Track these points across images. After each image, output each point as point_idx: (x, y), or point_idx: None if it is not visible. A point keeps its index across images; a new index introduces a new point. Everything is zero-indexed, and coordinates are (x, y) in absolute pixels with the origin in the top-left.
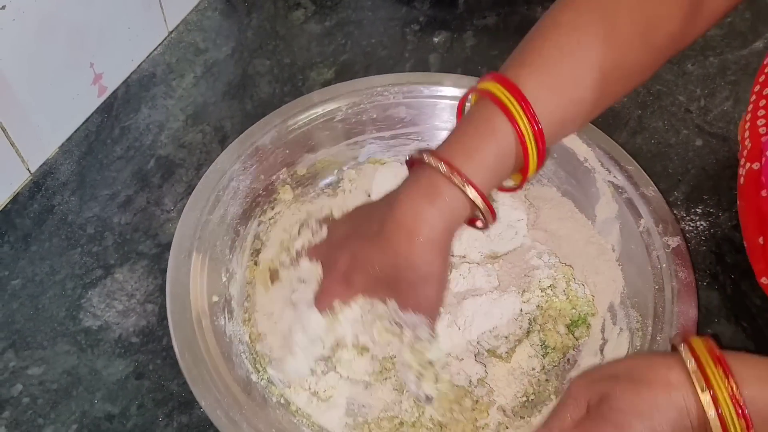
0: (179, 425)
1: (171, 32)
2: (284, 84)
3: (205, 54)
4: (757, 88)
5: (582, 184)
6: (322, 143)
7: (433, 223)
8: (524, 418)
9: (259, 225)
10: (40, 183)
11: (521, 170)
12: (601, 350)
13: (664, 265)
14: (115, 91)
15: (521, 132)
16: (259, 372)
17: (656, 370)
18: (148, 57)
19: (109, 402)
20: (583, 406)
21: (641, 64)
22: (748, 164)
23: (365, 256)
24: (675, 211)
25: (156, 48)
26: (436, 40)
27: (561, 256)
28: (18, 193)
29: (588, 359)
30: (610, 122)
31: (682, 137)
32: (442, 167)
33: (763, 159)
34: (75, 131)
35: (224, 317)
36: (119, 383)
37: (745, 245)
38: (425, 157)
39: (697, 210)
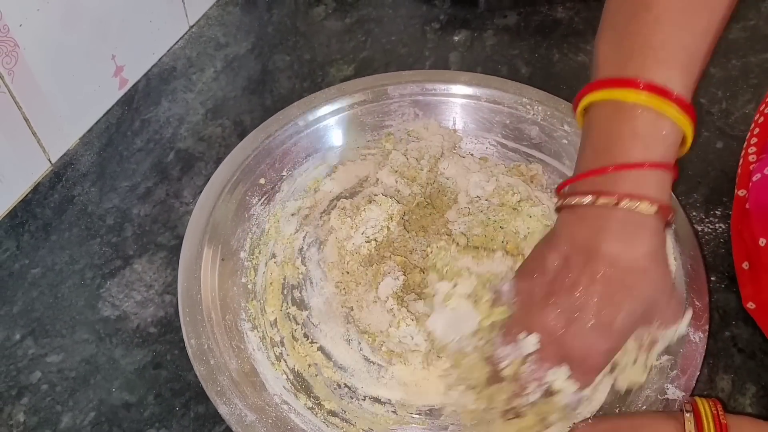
0: (196, 415)
1: (192, 27)
2: (304, 80)
3: (225, 49)
4: (760, 119)
5: None
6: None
7: (655, 250)
8: None
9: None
10: (61, 173)
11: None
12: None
13: None
14: (135, 84)
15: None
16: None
17: (657, 428)
18: (169, 51)
19: (127, 391)
20: None
21: None
22: (736, 190)
23: (615, 315)
24: (694, 213)
25: (177, 42)
26: (456, 38)
27: None
28: (39, 183)
29: None
30: None
31: (702, 139)
32: (648, 209)
33: (750, 185)
34: (96, 123)
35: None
36: (137, 372)
37: (735, 267)
38: (622, 203)
39: (716, 212)
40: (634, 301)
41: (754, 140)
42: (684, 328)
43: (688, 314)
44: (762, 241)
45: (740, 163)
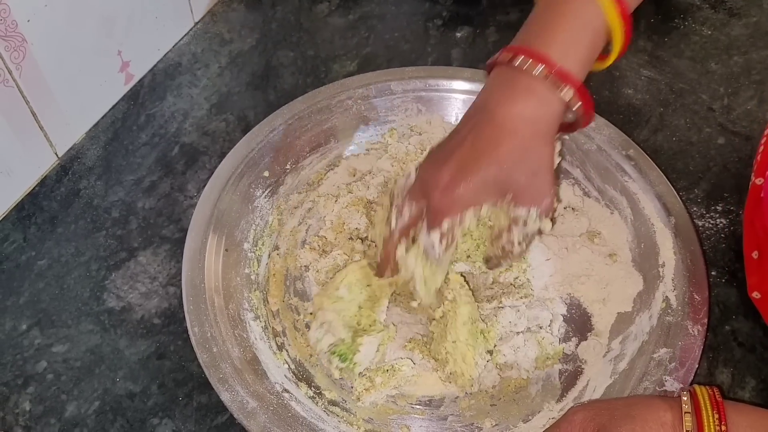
0: (198, 405)
1: (197, 23)
2: (307, 75)
3: (230, 45)
4: None
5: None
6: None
7: (535, 118)
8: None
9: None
10: (67, 167)
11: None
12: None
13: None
14: (141, 79)
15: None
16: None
17: (654, 410)
18: (174, 46)
19: (131, 380)
20: None
21: None
22: (753, 178)
23: (469, 167)
24: (695, 208)
25: (182, 38)
26: (458, 35)
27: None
28: (45, 176)
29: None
30: (632, 119)
31: (704, 135)
32: (539, 70)
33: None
34: (102, 117)
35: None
36: (141, 363)
37: (744, 256)
38: (517, 61)
39: (717, 208)
40: (492, 158)
41: None
42: (543, 224)
43: (547, 205)
44: None
45: (759, 150)
